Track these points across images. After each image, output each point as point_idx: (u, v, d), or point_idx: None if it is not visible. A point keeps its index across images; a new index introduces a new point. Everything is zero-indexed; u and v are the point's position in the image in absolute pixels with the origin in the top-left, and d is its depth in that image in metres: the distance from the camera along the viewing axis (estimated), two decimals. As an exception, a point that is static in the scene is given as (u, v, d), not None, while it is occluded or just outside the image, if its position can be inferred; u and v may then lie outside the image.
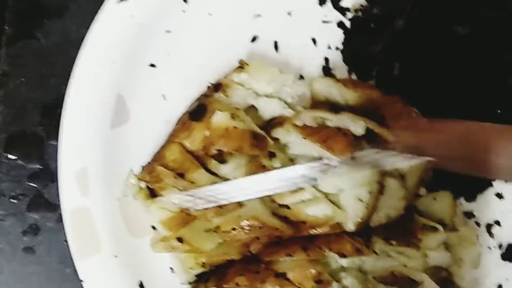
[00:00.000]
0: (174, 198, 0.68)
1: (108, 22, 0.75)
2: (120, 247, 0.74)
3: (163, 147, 0.72)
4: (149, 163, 0.74)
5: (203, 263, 0.69)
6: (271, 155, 0.69)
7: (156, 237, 0.70)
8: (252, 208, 0.67)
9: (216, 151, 0.68)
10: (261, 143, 0.68)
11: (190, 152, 0.70)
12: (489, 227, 0.76)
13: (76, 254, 0.73)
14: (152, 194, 0.70)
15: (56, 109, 0.78)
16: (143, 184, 0.71)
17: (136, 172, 0.74)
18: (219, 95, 0.71)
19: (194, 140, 0.70)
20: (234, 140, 0.67)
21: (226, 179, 0.70)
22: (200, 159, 0.69)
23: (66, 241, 0.73)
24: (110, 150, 0.75)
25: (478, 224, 0.76)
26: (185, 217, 0.68)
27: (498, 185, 0.76)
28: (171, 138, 0.72)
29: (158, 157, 0.72)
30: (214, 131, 0.68)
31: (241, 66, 0.73)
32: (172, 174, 0.68)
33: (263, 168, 0.68)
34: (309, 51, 0.77)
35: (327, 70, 0.77)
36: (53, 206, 0.79)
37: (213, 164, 0.70)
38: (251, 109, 0.74)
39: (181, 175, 0.68)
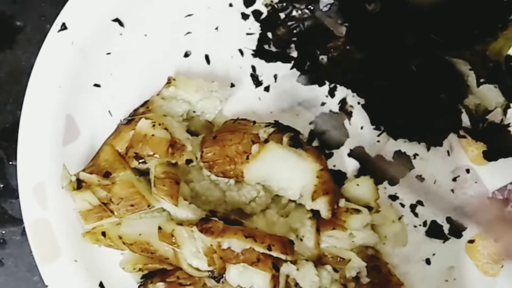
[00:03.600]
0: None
1: (52, 50, 0.82)
2: (79, 252, 0.81)
3: (100, 149, 0.80)
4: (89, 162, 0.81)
5: (139, 268, 0.77)
6: (188, 162, 0.76)
7: (86, 230, 0.77)
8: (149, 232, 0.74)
9: (134, 153, 0.75)
10: (177, 151, 0.75)
11: (120, 154, 0.77)
12: (413, 207, 0.83)
13: (39, 261, 0.80)
14: (79, 186, 0.77)
15: (13, 132, 0.84)
16: (73, 178, 0.78)
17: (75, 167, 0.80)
18: (143, 110, 0.79)
19: (121, 141, 0.77)
20: (151, 146, 0.74)
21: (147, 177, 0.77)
22: (125, 160, 0.77)
23: (31, 251, 0.80)
24: (63, 165, 0.81)
25: (402, 205, 0.83)
26: (102, 211, 0.75)
27: (419, 168, 0.83)
28: (106, 141, 0.80)
29: (94, 157, 0.79)
30: (135, 136, 0.76)
31: (169, 81, 0.81)
32: (96, 178, 0.75)
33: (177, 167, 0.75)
34: (237, 61, 0.85)
35: (255, 77, 0.85)
36: (18, 221, 0.86)
37: (135, 163, 0.76)
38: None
39: (109, 174, 0.76)
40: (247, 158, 0.75)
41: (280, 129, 0.79)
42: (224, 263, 0.71)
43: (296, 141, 0.77)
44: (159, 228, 0.73)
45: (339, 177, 0.82)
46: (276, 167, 0.75)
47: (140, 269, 0.77)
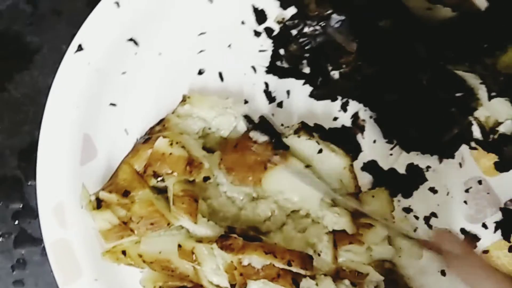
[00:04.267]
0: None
1: (68, 71, 0.84)
2: (100, 270, 0.82)
3: (118, 168, 0.81)
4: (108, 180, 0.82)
5: (160, 286, 0.77)
6: (205, 179, 0.78)
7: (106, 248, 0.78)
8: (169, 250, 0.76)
9: (153, 172, 0.77)
10: (195, 168, 0.76)
11: (138, 173, 0.78)
12: (427, 219, 0.85)
13: (60, 282, 0.81)
14: (98, 206, 0.78)
15: (31, 152, 0.87)
16: (92, 197, 0.79)
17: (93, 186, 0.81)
18: (159, 128, 0.80)
19: (139, 159, 0.79)
20: (169, 165, 0.76)
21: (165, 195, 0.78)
22: (144, 178, 0.78)
23: (52, 271, 0.81)
24: (82, 184, 0.83)
25: (416, 217, 0.84)
26: (122, 230, 0.77)
27: (431, 180, 0.85)
28: (124, 160, 0.81)
29: (113, 176, 0.81)
30: (153, 155, 0.77)
31: (184, 99, 0.82)
32: (115, 197, 0.77)
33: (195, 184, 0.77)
34: (250, 78, 0.86)
35: (268, 94, 0.86)
36: (37, 241, 0.87)
37: (153, 181, 0.78)
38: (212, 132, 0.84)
39: (128, 193, 0.77)
40: (265, 168, 0.77)
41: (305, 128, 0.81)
42: (244, 279, 0.72)
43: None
44: (179, 246, 0.74)
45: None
46: (294, 180, 0.77)
47: (160, 287, 0.78)
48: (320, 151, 0.80)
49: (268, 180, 0.77)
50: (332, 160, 0.79)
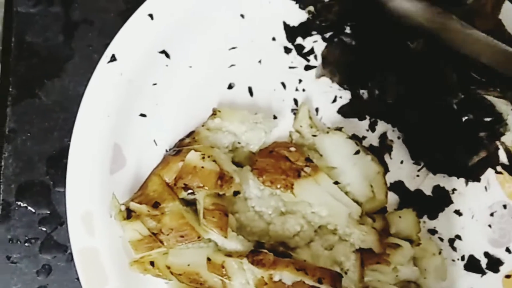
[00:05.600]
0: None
1: (101, 81, 0.85)
2: (125, 280, 0.82)
3: (147, 179, 0.82)
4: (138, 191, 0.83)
5: None
6: (235, 194, 0.78)
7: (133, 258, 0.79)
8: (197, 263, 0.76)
9: (183, 185, 0.77)
10: (226, 183, 0.76)
11: (168, 185, 0.79)
12: (451, 241, 0.85)
13: (87, 289, 0.82)
14: (128, 216, 0.79)
15: (59, 159, 0.88)
16: (123, 207, 0.80)
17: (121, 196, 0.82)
18: (189, 140, 0.81)
19: (169, 171, 0.79)
20: (200, 178, 0.76)
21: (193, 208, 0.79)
22: (173, 190, 0.78)
23: (77, 278, 0.82)
24: (110, 193, 0.83)
25: (441, 239, 0.85)
26: (152, 242, 0.77)
27: (457, 203, 0.86)
28: (154, 171, 0.82)
29: (142, 187, 0.81)
30: (184, 168, 0.78)
31: (214, 113, 0.83)
32: (146, 208, 0.77)
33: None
34: (279, 94, 0.87)
35: (296, 111, 0.87)
36: (63, 247, 0.88)
37: (183, 194, 0.78)
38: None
39: (158, 204, 0.77)
40: (299, 176, 0.78)
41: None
42: (274, 295, 0.72)
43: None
44: (208, 259, 0.74)
45: (379, 211, 0.84)
46: (323, 194, 0.78)
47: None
48: (357, 152, 0.81)
49: (301, 187, 0.77)
50: (367, 164, 0.81)
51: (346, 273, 0.76)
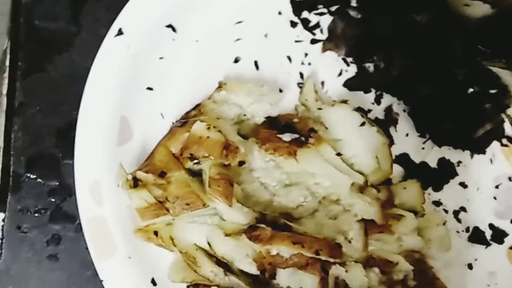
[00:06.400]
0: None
1: (108, 55, 0.85)
2: (133, 249, 0.84)
3: (154, 150, 0.83)
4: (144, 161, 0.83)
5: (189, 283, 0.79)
6: (240, 164, 0.79)
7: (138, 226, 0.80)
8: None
9: (189, 154, 0.78)
10: (231, 153, 0.77)
11: (174, 155, 0.80)
12: (456, 213, 0.86)
13: (95, 257, 0.83)
14: (135, 184, 0.80)
15: (68, 132, 0.89)
16: (129, 176, 0.81)
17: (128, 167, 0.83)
18: (195, 113, 0.82)
19: (175, 142, 0.80)
20: (205, 148, 0.77)
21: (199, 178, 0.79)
22: (179, 160, 0.79)
23: (86, 248, 0.83)
24: (118, 165, 0.84)
25: (446, 211, 0.85)
26: (158, 209, 0.78)
27: (462, 175, 0.86)
28: (160, 142, 0.83)
29: (149, 157, 0.82)
30: (190, 138, 0.79)
31: (220, 85, 0.84)
32: (152, 177, 0.78)
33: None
34: (285, 67, 0.87)
35: (302, 84, 0.87)
36: (72, 218, 0.89)
37: (189, 164, 0.79)
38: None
39: (164, 174, 0.78)
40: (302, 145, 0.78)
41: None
42: (273, 268, 0.74)
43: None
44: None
45: (384, 183, 0.84)
46: (325, 165, 0.78)
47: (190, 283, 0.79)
48: (363, 124, 0.81)
49: (303, 156, 0.78)
50: (372, 135, 0.81)
51: (350, 241, 0.77)
